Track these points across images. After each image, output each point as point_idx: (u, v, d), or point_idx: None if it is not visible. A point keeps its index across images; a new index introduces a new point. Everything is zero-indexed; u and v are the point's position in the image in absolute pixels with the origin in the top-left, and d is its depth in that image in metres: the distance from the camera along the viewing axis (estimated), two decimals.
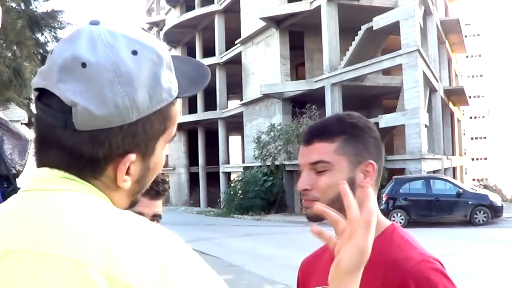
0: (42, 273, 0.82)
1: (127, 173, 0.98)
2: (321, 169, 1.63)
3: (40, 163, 0.98)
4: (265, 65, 39.31)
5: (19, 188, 2.83)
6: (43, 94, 0.95)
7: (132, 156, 0.96)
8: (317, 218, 1.65)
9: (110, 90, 0.91)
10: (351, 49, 31.76)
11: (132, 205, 1.07)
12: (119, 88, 0.92)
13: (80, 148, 0.93)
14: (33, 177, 0.98)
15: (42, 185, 0.95)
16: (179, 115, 1.00)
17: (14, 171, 2.86)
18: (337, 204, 1.58)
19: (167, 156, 60.31)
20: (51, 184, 0.94)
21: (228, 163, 48.39)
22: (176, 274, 0.87)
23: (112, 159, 0.95)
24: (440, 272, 1.50)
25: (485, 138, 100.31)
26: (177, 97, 1.01)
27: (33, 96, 1.00)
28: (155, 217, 1.88)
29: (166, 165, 58.87)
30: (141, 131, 0.96)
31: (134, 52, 0.95)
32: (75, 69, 0.92)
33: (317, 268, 1.78)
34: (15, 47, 12.47)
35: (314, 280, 1.76)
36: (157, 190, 1.85)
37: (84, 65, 0.91)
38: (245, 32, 41.88)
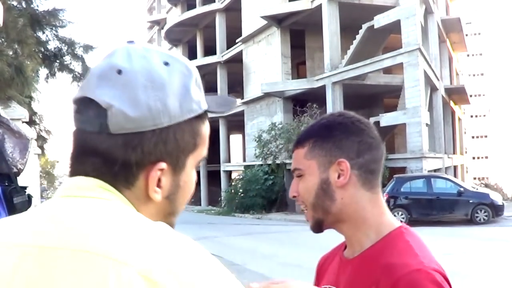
0: (78, 270, 0.84)
1: (158, 185, 1.00)
2: (298, 176, 1.65)
3: (74, 172, 1.01)
4: (266, 64, 39.31)
5: (20, 187, 2.84)
6: (80, 106, 1.00)
7: (163, 165, 0.99)
8: (315, 231, 1.68)
9: (143, 94, 0.96)
10: (352, 47, 31.76)
11: None
12: (151, 92, 0.97)
13: (113, 152, 0.96)
14: (69, 184, 1.00)
15: (79, 192, 0.97)
16: (208, 136, 1.04)
17: (15, 170, 2.86)
18: (319, 208, 1.62)
19: None
20: (88, 192, 0.97)
21: (229, 161, 48.42)
22: (209, 281, 0.89)
23: (144, 166, 0.98)
24: (437, 285, 1.39)
25: (486, 137, 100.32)
26: (206, 111, 1.06)
27: (72, 110, 1.03)
28: None
29: None
30: (173, 139, 1.00)
31: (166, 63, 1.01)
32: (111, 76, 0.97)
33: (329, 266, 1.78)
34: (16, 46, 12.47)
35: (325, 278, 1.76)
36: None
37: (120, 72, 0.97)
38: (246, 31, 41.89)
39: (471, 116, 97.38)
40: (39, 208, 0.99)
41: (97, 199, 0.95)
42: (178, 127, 1.00)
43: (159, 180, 1.00)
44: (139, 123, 0.95)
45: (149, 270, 0.84)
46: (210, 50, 47.61)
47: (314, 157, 1.61)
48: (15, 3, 13.87)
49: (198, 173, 37.48)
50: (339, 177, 1.59)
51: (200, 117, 1.05)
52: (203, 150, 1.09)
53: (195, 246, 0.93)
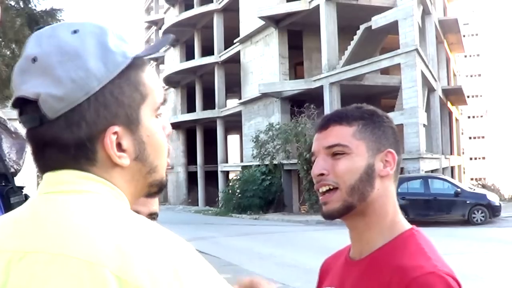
0: (56, 274, 0.84)
1: (121, 149, 0.98)
2: (338, 153, 1.56)
3: (41, 169, 1.01)
4: (263, 64, 39.31)
5: (17, 187, 2.83)
6: (20, 108, 0.99)
7: (115, 128, 0.96)
8: (330, 217, 1.59)
9: (62, 70, 0.94)
10: (349, 48, 31.77)
11: (157, 187, 1.08)
12: (69, 65, 0.94)
13: (62, 137, 0.94)
14: (49, 179, 0.98)
15: (60, 187, 0.96)
16: (157, 81, 1.00)
17: (12, 170, 2.85)
18: (356, 192, 1.55)
19: None
20: (69, 186, 0.96)
21: (227, 162, 48.38)
22: (189, 281, 0.87)
23: (96, 137, 0.96)
24: None
25: (483, 137, 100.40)
26: (136, 58, 1.01)
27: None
28: (152, 215, 1.87)
29: None
30: (112, 100, 0.96)
31: (74, 31, 0.97)
32: (29, 67, 0.96)
33: (334, 268, 1.75)
34: (14, 45, 12.47)
35: (328, 280, 1.74)
36: None
37: (34, 59, 0.96)
38: (244, 31, 41.88)
39: (468, 117, 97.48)
40: (23, 209, 0.99)
41: (79, 192, 0.95)
42: (113, 85, 0.96)
43: (119, 145, 0.97)
44: (70, 98, 0.93)
45: (123, 270, 0.83)
46: (207, 50, 47.58)
47: (364, 138, 1.57)
48: (12, 3, 13.87)
49: (196, 173, 37.64)
50: (385, 166, 1.58)
51: (136, 67, 1.01)
52: (155, 97, 1.04)
53: (179, 245, 0.91)
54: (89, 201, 0.93)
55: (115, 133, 0.96)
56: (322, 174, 1.57)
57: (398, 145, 1.64)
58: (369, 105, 1.69)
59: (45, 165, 0.99)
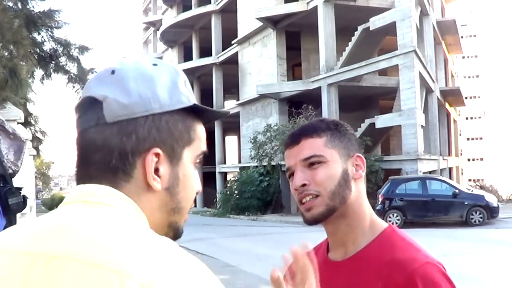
0: (84, 281, 0.85)
1: (157, 173, 1.03)
2: (314, 164, 1.65)
3: (80, 175, 1.06)
4: (261, 65, 39.34)
5: (15, 188, 2.83)
6: (81, 110, 1.07)
7: (158, 150, 1.03)
8: (315, 221, 1.66)
9: (134, 84, 1.03)
10: (347, 49, 31.79)
11: (174, 232, 1.12)
12: (141, 83, 1.04)
13: (110, 142, 1.01)
14: (78, 190, 1.03)
15: (88, 198, 1.01)
16: (204, 136, 1.10)
17: (10, 171, 2.85)
18: (337, 197, 1.63)
19: None
20: (97, 198, 1.00)
21: (225, 163, 48.42)
22: None
23: (140, 153, 1.02)
24: (445, 277, 1.51)
25: (481, 138, 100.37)
26: (195, 106, 1.10)
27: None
28: None
29: None
30: (165, 127, 1.04)
31: (155, 64, 1.09)
32: (106, 77, 1.05)
33: None
34: (11, 47, 12.45)
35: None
36: None
37: (113, 72, 1.06)
38: (241, 32, 41.90)
39: (466, 118, 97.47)
40: (49, 215, 1.01)
41: (105, 205, 0.98)
42: (171, 116, 1.05)
43: (157, 170, 1.03)
44: (132, 108, 1.01)
45: (150, 282, 0.84)
46: (205, 51, 47.62)
47: (335, 147, 1.67)
48: (10, 4, 13.85)
49: None
50: (356, 169, 1.69)
51: (193, 116, 1.11)
52: (200, 146, 1.13)
53: (197, 262, 0.94)
54: (116, 216, 0.97)
55: (157, 155, 1.03)
56: (304, 185, 1.64)
57: (361, 150, 1.76)
58: (333, 119, 1.81)
59: (86, 172, 1.04)
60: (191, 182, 1.11)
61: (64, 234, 0.92)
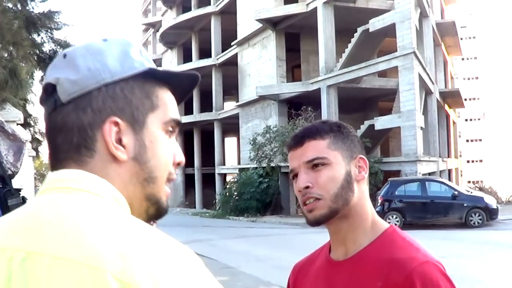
0: (58, 278, 0.85)
1: (120, 143, 1.02)
2: (318, 166, 1.66)
3: (51, 159, 1.06)
4: (261, 67, 39.33)
5: (15, 189, 2.83)
6: (43, 99, 1.07)
7: (116, 118, 1.01)
8: (318, 223, 1.67)
9: (82, 60, 1.03)
10: (347, 51, 31.80)
11: (155, 207, 1.08)
12: (90, 57, 1.03)
13: (68, 121, 1.01)
14: (53, 177, 1.02)
15: (57, 184, 1.00)
16: (173, 101, 1.11)
17: (9, 172, 2.85)
18: (340, 199, 1.64)
19: None
20: (68, 183, 0.99)
21: (224, 164, 48.39)
22: (190, 286, 0.89)
23: (98, 125, 1.00)
24: (445, 276, 1.52)
25: (480, 140, 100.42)
26: (151, 71, 1.07)
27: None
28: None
29: None
30: (121, 95, 1.03)
31: (105, 40, 1.08)
32: (59, 62, 1.06)
33: (311, 271, 1.79)
34: (11, 48, 12.45)
35: (308, 283, 1.78)
36: None
37: (65, 56, 1.06)
38: (241, 34, 41.91)
39: (466, 120, 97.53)
40: (25, 207, 1.01)
41: (79, 191, 0.97)
42: (126, 84, 1.03)
43: (120, 140, 1.01)
44: (82, 83, 1.01)
45: (126, 274, 0.84)
46: (205, 53, 47.63)
47: (338, 148, 1.68)
48: (10, 5, 13.85)
49: (193, 175, 37.71)
50: (359, 171, 1.69)
51: (153, 81, 1.08)
52: (167, 112, 1.09)
53: (179, 249, 0.93)
54: (90, 203, 0.95)
55: (117, 124, 1.01)
56: (307, 187, 1.65)
57: (363, 151, 1.76)
58: (336, 121, 1.82)
59: (54, 157, 1.04)
60: (162, 149, 1.07)
61: (39, 227, 0.92)
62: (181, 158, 1.13)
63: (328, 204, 1.63)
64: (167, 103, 1.09)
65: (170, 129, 1.10)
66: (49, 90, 1.04)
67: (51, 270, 0.86)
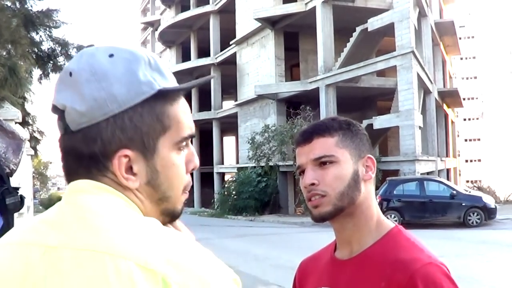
0: (81, 268, 0.89)
1: (131, 172, 1.02)
2: (326, 164, 1.65)
3: (65, 175, 1.08)
4: (259, 66, 39.33)
5: (13, 188, 2.82)
6: (56, 114, 1.07)
7: (127, 151, 1.00)
8: (323, 219, 1.67)
9: (87, 88, 1.00)
10: (345, 50, 31.80)
11: (169, 216, 1.12)
12: (95, 84, 1.00)
13: (78, 148, 1.01)
14: (68, 188, 1.05)
15: (76, 192, 1.02)
16: (186, 116, 1.09)
17: (8, 170, 2.85)
18: (346, 197, 1.64)
19: None
20: (84, 193, 1.02)
21: (222, 163, 48.40)
22: (205, 272, 0.94)
23: (110, 157, 1.01)
24: (448, 277, 1.50)
25: (479, 140, 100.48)
26: (165, 91, 1.04)
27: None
28: None
29: None
30: (130, 125, 1.01)
31: (111, 55, 1.03)
32: (66, 79, 1.03)
33: (316, 269, 1.79)
34: (9, 46, 12.43)
35: (312, 281, 1.77)
36: None
37: (70, 74, 1.03)
38: (240, 33, 41.91)
39: (464, 119, 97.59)
40: (46, 211, 1.05)
41: (95, 195, 1.00)
42: (134, 112, 1.01)
43: (131, 168, 1.02)
44: (90, 115, 0.99)
45: (145, 260, 0.88)
46: (204, 52, 47.62)
47: (346, 147, 1.67)
48: (9, 3, 13.83)
49: (192, 174, 37.92)
50: (366, 170, 1.69)
51: (164, 99, 1.05)
52: (179, 131, 1.07)
53: (188, 238, 1.00)
54: (109, 202, 1.00)
55: (126, 156, 1.01)
56: (313, 184, 1.65)
57: (372, 150, 1.76)
58: (344, 116, 1.80)
59: (65, 171, 1.06)
60: (174, 172, 1.07)
61: (60, 224, 0.97)
62: (195, 165, 1.13)
63: (333, 201, 1.63)
64: (179, 121, 1.07)
65: (184, 144, 1.09)
66: (58, 110, 1.04)
67: (73, 261, 0.90)
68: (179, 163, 1.08)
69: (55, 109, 1.04)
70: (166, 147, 1.05)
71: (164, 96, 1.04)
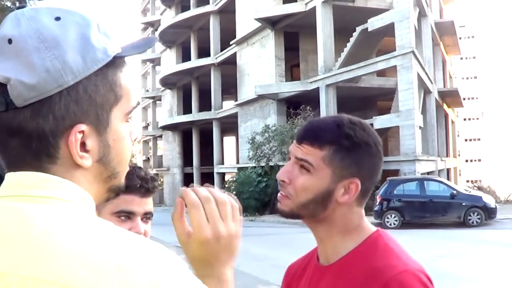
0: None
1: (84, 149, 0.93)
2: (304, 168, 1.57)
3: (5, 163, 0.96)
4: (260, 66, 39.32)
5: None
6: None
7: (82, 126, 0.91)
8: (282, 215, 1.64)
9: (37, 57, 0.89)
10: (346, 50, 31.78)
11: (114, 192, 1.04)
12: (46, 53, 0.89)
13: (26, 127, 0.89)
14: (6, 181, 0.94)
15: (19, 191, 0.92)
16: (133, 83, 0.95)
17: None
18: (306, 209, 1.58)
19: (161, 156, 60.26)
20: (28, 190, 0.91)
21: (223, 163, 48.39)
22: None
23: (61, 133, 0.91)
24: (424, 285, 1.43)
25: (479, 139, 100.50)
26: (119, 57, 0.98)
27: None
28: (147, 215, 1.88)
29: (160, 165, 58.84)
30: (85, 97, 0.92)
31: (57, 18, 0.93)
32: (4, 48, 0.91)
33: (301, 273, 1.76)
34: None
35: (296, 285, 1.75)
36: (147, 187, 1.85)
37: (10, 41, 0.90)
38: (240, 33, 41.89)
39: (464, 119, 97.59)
40: None
41: (44, 202, 0.89)
42: (89, 81, 0.92)
43: (83, 144, 0.93)
44: (41, 88, 0.88)
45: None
46: (204, 52, 47.58)
47: (332, 164, 1.55)
48: (8, 4, 13.84)
49: (192, 175, 37.56)
50: (344, 193, 1.57)
51: (115, 66, 0.96)
52: (129, 101, 1.00)
53: (156, 252, 0.87)
54: (56, 213, 0.88)
55: (81, 132, 0.92)
56: (283, 181, 1.61)
57: (372, 172, 1.61)
58: (360, 120, 1.67)
59: (8, 158, 0.94)
60: (124, 144, 1.00)
61: (6, 244, 0.84)
62: (136, 135, 1.07)
63: (292, 207, 1.59)
64: (129, 90, 1.00)
65: (130, 115, 1.02)
66: None
67: None
68: (128, 135, 1.02)
69: None
70: (117, 119, 0.98)
71: (115, 62, 0.96)
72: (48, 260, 0.81)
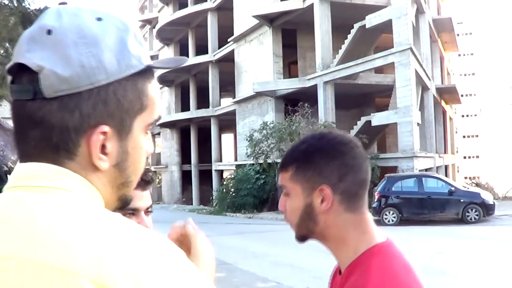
0: (28, 283, 0.81)
1: (103, 152, 0.94)
2: (286, 193, 1.68)
3: (21, 152, 0.96)
4: (257, 63, 39.31)
5: None
6: (15, 75, 0.94)
7: (105, 128, 0.92)
8: (301, 240, 1.68)
9: (74, 51, 0.90)
10: (343, 47, 31.79)
11: (122, 203, 1.04)
12: (83, 49, 0.91)
13: (50, 119, 0.90)
14: (23, 172, 0.94)
15: (32, 181, 0.92)
16: (158, 98, 0.96)
17: (6, 168, 2.85)
18: (304, 228, 1.64)
19: (159, 154, 60.24)
20: (39, 181, 0.91)
21: (221, 161, 48.37)
22: (174, 285, 0.85)
23: (84, 131, 0.92)
24: None
25: (477, 136, 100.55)
26: (150, 68, 1.00)
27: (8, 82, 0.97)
28: (148, 209, 1.89)
29: (158, 162, 58.79)
30: (113, 99, 0.93)
31: (99, 19, 0.95)
32: (41, 37, 0.92)
33: (333, 280, 1.76)
34: (7, 44, 12.41)
35: None
36: (146, 179, 1.86)
37: (49, 32, 0.91)
38: (238, 30, 41.86)
39: (462, 116, 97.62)
40: None
41: (52, 192, 0.90)
42: (119, 85, 0.93)
43: (104, 146, 0.94)
44: (74, 82, 0.89)
45: (99, 275, 0.80)
46: (201, 49, 47.57)
47: (298, 181, 1.63)
48: (6, 1, 13.82)
49: (190, 172, 37.66)
50: (322, 202, 1.59)
51: (145, 76, 0.99)
52: (153, 113, 1.01)
53: (159, 242, 0.89)
54: (63, 203, 0.89)
55: (104, 133, 0.93)
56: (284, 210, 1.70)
57: (342, 174, 1.59)
58: (329, 131, 1.71)
59: (24, 148, 0.95)
60: (141, 154, 1.01)
61: (6, 229, 0.86)
62: (151, 151, 1.06)
63: (295, 231, 1.66)
64: (155, 102, 1.01)
65: (150, 127, 1.04)
66: (24, 71, 0.91)
67: (19, 275, 0.81)
68: (145, 147, 1.03)
69: (19, 69, 0.92)
70: (139, 128, 0.99)
71: (146, 73, 0.99)
72: (49, 246, 0.82)
